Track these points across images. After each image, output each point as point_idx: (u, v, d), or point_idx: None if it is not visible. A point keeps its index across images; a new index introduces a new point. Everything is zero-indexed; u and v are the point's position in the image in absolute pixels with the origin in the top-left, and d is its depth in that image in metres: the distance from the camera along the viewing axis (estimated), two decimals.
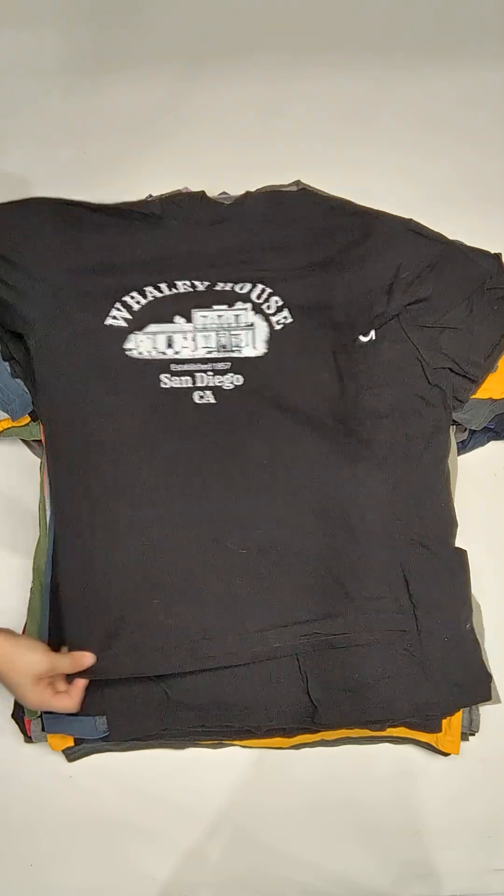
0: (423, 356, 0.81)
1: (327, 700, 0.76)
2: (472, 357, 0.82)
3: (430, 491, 0.80)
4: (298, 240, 0.81)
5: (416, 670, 0.76)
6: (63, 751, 0.81)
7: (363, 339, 0.82)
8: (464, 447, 0.89)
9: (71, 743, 0.80)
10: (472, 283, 0.83)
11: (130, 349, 0.78)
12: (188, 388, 0.78)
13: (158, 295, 0.79)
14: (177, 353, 0.79)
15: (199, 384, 0.78)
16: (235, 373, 0.78)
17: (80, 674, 0.73)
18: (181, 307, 0.79)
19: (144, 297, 0.79)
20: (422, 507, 0.80)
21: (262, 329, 0.79)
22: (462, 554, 0.80)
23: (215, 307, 0.79)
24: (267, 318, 0.79)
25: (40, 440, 0.85)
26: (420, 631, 0.77)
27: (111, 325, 0.78)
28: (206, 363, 0.78)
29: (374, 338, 0.82)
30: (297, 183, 0.91)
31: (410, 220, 0.85)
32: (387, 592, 0.77)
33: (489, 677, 0.79)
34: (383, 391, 0.81)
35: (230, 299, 0.79)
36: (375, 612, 0.77)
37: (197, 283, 0.80)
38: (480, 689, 0.78)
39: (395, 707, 0.76)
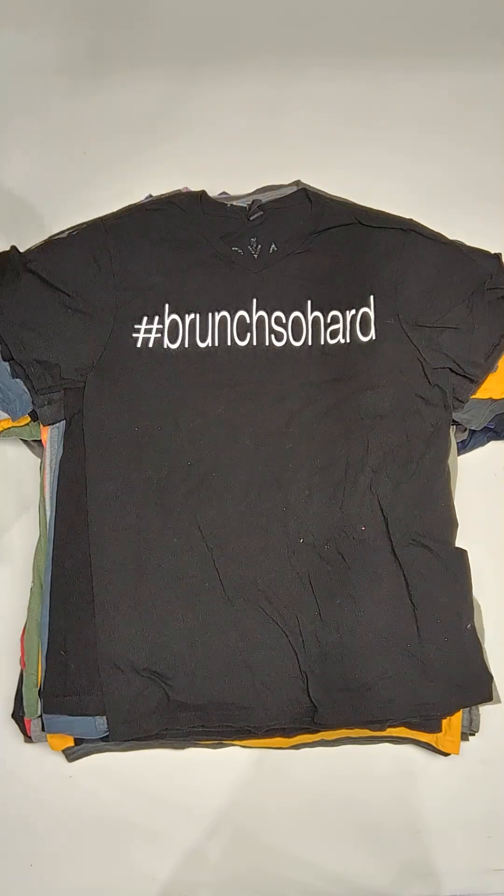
0: (423, 356, 0.81)
1: (327, 700, 0.76)
2: (472, 357, 0.82)
3: (430, 491, 0.80)
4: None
5: (416, 670, 0.76)
6: (63, 751, 0.81)
7: (363, 338, 0.82)
8: (464, 447, 0.89)
9: (71, 743, 0.80)
10: (472, 283, 0.83)
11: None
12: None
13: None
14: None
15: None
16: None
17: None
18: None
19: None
20: (422, 507, 0.80)
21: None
22: (462, 554, 0.80)
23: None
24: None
25: (40, 440, 0.85)
26: (420, 631, 0.77)
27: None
28: None
29: (374, 338, 0.82)
30: (297, 183, 0.91)
31: (410, 220, 0.85)
32: (387, 592, 0.77)
33: (490, 677, 0.79)
34: (383, 391, 0.81)
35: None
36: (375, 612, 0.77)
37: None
38: (481, 689, 0.78)
39: (395, 707, 0.76)
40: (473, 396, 0.83)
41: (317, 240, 0.85)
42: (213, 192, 0.90)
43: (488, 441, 0.91)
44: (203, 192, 0.88)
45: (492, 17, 1.06)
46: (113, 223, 0.86)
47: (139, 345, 0.83)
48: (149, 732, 0.77)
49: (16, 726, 0.81)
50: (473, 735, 0.82)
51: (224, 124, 1.02)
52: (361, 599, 0.77)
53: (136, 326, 0.83)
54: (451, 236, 0.86)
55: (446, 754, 0.82)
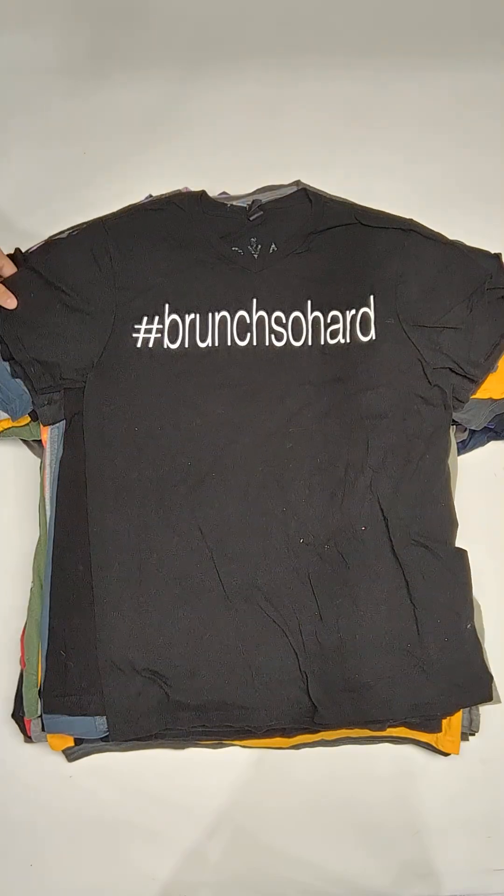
0: (423, 356, 0.81)
1: (327, 700, 0.76)
2: (472, 357, 0.82)
3: (430, 491, 0.80)
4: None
5: (416, 670, 0.76)
6: (63, 751, 0.81)
7: (363, 338, 0.82)
8: (464, 447, 0.89)
9: (71, 743, 0.80)
10: (472, 283, 0.83)
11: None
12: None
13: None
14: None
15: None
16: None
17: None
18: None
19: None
20: (422, 508, 0.80)
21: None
22: (462, 554, 0.80)
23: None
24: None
25: (40, 440, 0.85)
26: (420, 631, 0.77)
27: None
28: None
29: (374, 338, 0.82)
30: (297, 183, 0.91)
31: (410, 220, 0.85)
32: (387, 592, 0.77)
33: (490, 677, 0.79)
34: (383, 391, 0.81)
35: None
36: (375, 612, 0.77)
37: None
38: (481, 689, 0.78)
39: (395, 707, 0.76)
40: (473, 396, 0.83)
41: (317, 240, 0.85)
42: (213, 192, 0.90)
43: (488, 441, 0.91)
44: (203, 192, 0.88)
45: (492, 17, 1.06)
46: (113, 223, 0.86)
47: (139, 345, 0.83)
48: (149, 732, 0.77)
49: (16, 726, 0.81)
50: (473, 735, 0.82)
51: (224, 124, 1.02)
52: (361, 599, 0.77)
53: (136, 326, 0.83)
54: (451, 236, 0.86)
55: (446, 754, 0.82)
